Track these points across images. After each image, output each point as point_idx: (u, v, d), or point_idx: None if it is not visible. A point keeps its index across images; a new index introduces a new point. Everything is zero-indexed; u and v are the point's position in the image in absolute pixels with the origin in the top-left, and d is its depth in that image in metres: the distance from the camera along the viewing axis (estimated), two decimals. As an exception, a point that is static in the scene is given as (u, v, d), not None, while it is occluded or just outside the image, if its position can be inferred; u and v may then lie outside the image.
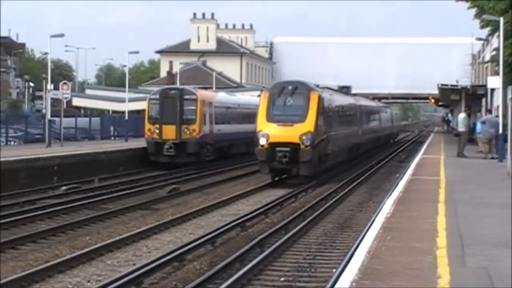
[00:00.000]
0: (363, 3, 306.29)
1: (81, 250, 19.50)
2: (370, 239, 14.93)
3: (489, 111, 44.13)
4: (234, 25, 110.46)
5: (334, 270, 16.24)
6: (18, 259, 19.12)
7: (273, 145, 31.34)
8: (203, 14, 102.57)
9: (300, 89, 33.37)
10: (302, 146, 31.20)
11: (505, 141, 32.85)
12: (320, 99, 33.10)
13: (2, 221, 24.51)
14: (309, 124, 31.58)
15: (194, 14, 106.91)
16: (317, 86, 38.60)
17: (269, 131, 31.69)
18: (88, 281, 16.47)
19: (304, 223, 23.79)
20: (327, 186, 34.97)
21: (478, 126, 47.53)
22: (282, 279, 16.89)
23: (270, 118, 32.24)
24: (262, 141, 31.50)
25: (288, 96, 32.65)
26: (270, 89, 36.05)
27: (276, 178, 34.60)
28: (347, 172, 41.97)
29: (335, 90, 46.67)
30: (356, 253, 14.24)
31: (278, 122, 31.97)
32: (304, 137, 31.01)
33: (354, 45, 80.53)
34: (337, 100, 41.62)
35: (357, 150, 51.13)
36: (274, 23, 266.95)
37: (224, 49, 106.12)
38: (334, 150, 38.08)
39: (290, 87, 33.35)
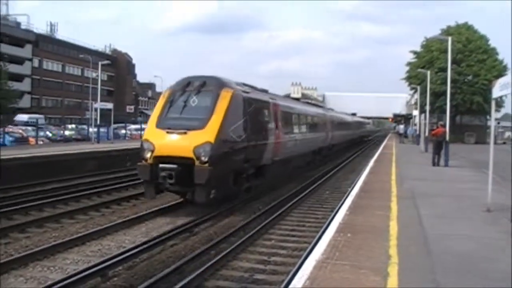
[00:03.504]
0: (363, 77, 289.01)
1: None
2: (364, 176, 14.98)
3: (415, 124, 43.03)
4: (308, 87, 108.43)
5: (351, 186, 14.17)
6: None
7: (158, 160, 10.11)
8: (295, 82, 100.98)
9: (208, 86, 10.80)
10: (196, 162, 9.80)
11: (419, 136, 32.52)
12: (234, 98, 10.74)
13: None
14: (209, 131, 10.09)
15: (292, 83, 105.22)
16: (274, 99, 14.46)
17: (155, 141, 10.23)
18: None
19: (335, 169, 21.46)
20: (346, 152, 31.47)
21: (409, 131, 46.64)
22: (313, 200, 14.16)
23: (159, 124, 10.49)
24: (146, 155, 10.20)
25: (192, 95, 10.73)
26: (172, 86, 11.38)
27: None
28: (351, 150, 35.88)
29: (297, 100, 26.08)
30: (358, 180, 14.33)
31: (169, 129, 10.23)
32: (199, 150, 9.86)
33: (360, 96, 76.94)
34: (292, 107, 17.44)
35: (329, 150, 26.21)
36: (327, 84, 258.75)
37: (303, 98, 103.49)
38: (283, 158, 14.81)
39: (197, 83, 10.87)
